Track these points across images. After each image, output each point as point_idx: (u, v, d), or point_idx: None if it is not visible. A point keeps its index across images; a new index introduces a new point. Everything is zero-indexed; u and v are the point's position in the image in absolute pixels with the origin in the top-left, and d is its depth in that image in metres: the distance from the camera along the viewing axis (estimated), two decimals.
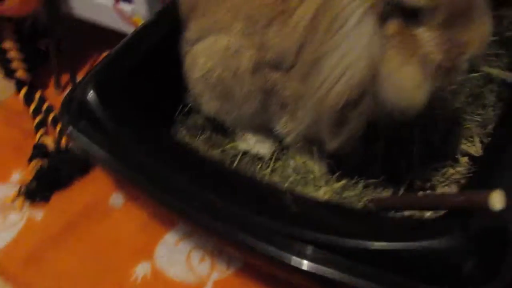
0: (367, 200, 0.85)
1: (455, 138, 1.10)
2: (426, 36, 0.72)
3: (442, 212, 0.67)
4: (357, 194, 0.87)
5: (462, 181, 1.02)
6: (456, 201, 0.61)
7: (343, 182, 0.91)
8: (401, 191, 0.98)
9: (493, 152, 1.01)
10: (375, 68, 0.74)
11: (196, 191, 0.83)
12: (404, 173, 1.03)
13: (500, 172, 0.78)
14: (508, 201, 0.56)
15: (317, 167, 1.00)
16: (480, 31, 0.72)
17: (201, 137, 1.21)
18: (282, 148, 1.11)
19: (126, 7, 1.29)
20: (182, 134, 1.20)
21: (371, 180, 0.94)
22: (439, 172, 1.05)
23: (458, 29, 0.71)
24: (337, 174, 0.94)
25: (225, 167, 1.03)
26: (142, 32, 1.11)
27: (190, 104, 1.20)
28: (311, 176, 0.95)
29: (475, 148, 1.07)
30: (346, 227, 0.67)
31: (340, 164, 0.99)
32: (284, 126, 1.00)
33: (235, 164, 1.13)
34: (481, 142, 1.08)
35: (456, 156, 1.07)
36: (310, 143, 1.01)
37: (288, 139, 1.03)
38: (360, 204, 0.85)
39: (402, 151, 1.07)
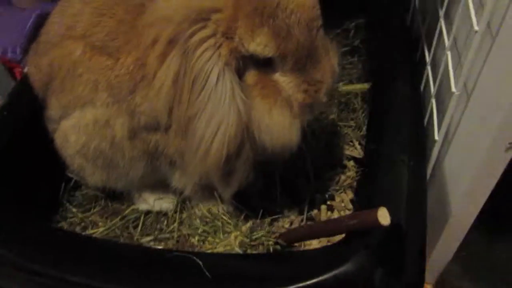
0: (275, 238, 0.87)
1: (339, 145, 1.19)
2: (284, 81, 0.78)
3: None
4: (265, 234, 0.89)
5: (354, 185, 1.11)
6: (351, 224, 0.65)
7: (250, 223, 0.93)
8: (305, 211, 1.03)
9: (370, 153, 1.14)
10: (247, 118, 0.77)
11: None
12: (303, 191, 1.08)
13: (379, 174, 0.85)
14: (393, 214, 0.62)
15: (221, 211, 1.00)
16: (329, 67, 0.79)
17: (95, 209, 1.13)
18: (184, 199, 1.09)
19: None
20: (73, 212, 1.11)
21: (276, 216, 0.96)
22: (333, 181, 1.13)
23: (310, 70, 0.77)
24: (243, 215, 0.95)
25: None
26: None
27: (74, 179, 1.12)
28: (218, 223, 0.95)
29: (357, 151, 1.17)
30: (261, 276, 0.68)
31: (242, 201, 1.00)
32: (178, 181, 0.98)
33: (139, 228, 1.08)
34: (360, 144, 1.18)
35: (343, 162, 1.16)
36: (209, 188, 1.01)
37: (187, 192, 1.01)
38: (270, 243, 0.87)
39: (295, 171, 1.13)
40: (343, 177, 1.14)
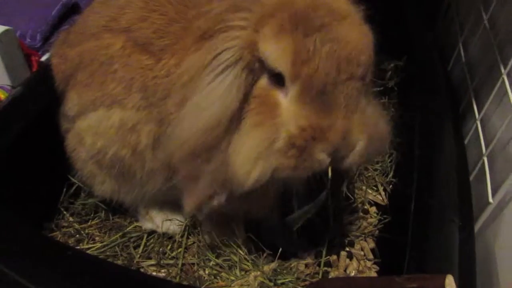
0: (304, 286, 0.78)
1: (362, 189, 1.12)
2: (286, 107, 0.66)
3: None
4: (294, 279, 0.80)
5: (376, 233, 1.05)
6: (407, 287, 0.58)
7: (273, 264, 0.84)
8: (323, 255, 0.95)
9: (395, 202, 1.08)
10: (228, 122, 0.66)
11: None
12: (322, 233, 1.01)
13: (430, 234, 0.77)
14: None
15: (239, 243, 0.91)
16: (343, 125, 0.64)
17: (93, 221, 1.03)
18: (194, 223, 1.00)
19: None
20: (69, 221, 1.01)
21: (302, 261, 0.88)
22: (354, 226, 1.06)
23: (318, 112, 0.64)
24: (265, 254, 0.86)
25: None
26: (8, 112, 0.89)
27: (76, 185, 1.02)
28: (235, 257, 0.86)
29: (381, 198, 1.11)
30: None
31: (260, 237, 0.92)
32: None
33: (140, 249, 0.98)
34: (384, 190, 1.13)
35: (365, 207, 1.10)
36: (225, 217, 0.92)
37: (200, 216, 0.92)
38: None
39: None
40: (364, 223, 1.07)
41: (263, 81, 0.68)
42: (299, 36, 0.63)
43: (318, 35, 0.63)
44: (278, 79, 0.66)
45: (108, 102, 0.80)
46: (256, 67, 0.67)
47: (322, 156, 0.66)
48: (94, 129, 0.83)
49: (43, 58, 1.10)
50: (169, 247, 0.99)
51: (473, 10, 1.12)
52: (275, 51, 0.64)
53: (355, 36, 0.65)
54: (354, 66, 0.64)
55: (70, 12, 1.22)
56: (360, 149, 0.67)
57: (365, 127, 0.68)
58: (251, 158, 0.66)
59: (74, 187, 1.03)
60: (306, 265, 0.97)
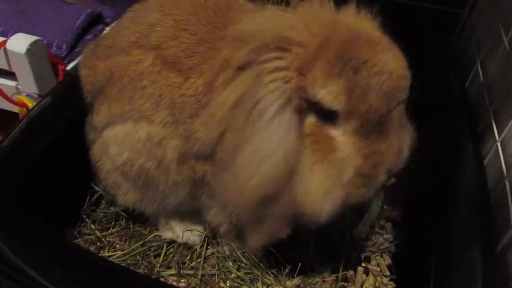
0: None
1: (378, 204, 1.14)
2: (343, 141, 0.69)
3: None
4: None
5: (392, 250, 1.06)
6: None
7: (297, 279, 0.85)
8: (340, 270, 0.96)
9: (412, 218, 1.09)
10: (293, 165, 0.69)
11: None
12: (338, 248, 1.02)
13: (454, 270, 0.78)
14: None
15: (260, 256, 0.92)
16: (397, 144, 0.71)
17: (114, 229, 1.05)
18: (214, 234, 1.02)
19: (7, 83, 1.06)
20: (91, 228, 1.02)
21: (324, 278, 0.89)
22: (370, 242, 1.07)
23: (375, 139, 0.69)
24: (287, 268, 0.87)
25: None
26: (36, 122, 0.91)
27: (98, 193, 1.03)
28: (257, 271, 0.87)
29: (396, 213, 1.12)
30: None
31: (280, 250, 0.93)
32: (214, 216, 0.91)
33: (160, 258, 0.99)
34: (401, 206, 1.14)
35: (381, 223, 1.11)
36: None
37: (221, 229, 0.94)
38: None
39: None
40: (381, 239, 1.08)
41: (312, 119, 0.71)
42: (349, 75, 0.66)
43: (366, 70, 0.66)
44: (329, 115, 0.69)
45: (137, 116, 0.82)
46: (304, 107, 0.70)
47: (384, 177, 0.71)
48: (120, 140, 0.84)
49: (69, 67, 1.11)
50: (188, 257, 1.00)
51: (491, 30, 1.13)
52: (328, 94, 0.66)
53: (395, 63, 0.68)
54: (400, 92, 0.69)
55: (94, 21, 1.24)
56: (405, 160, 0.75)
57: (408, 139, 0.75)
58: (321, 194, 0.69)
59: (96, 196, 1.05)
60: (324, 280, 0.99)
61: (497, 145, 0.91)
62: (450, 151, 0.96)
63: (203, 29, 0.80)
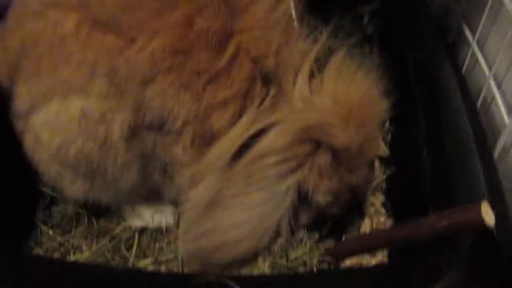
0: (323, 254, 0.71)
1: None
2: None
3: None
4: (307, 251, 0.72)
5: (384, 186, 0.98)
6: (440, 227, 0.50)
7: (280, 240, 0.75)
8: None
9: (395, 150, 1.01)
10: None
11: None
12: None
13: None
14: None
15: None
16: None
17: (77, 229, 0.93)
18: None
19: None
20: (49, 235, 0.90)
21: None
22: None
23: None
24: None
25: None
26: None
27: (49, 195, 0.91)
28: None
29: (381, 149, 1.04)
30: None
31: None
32: (173, 193, 0.82)
33: (133, 250, 0.88)
34: (384, 141, 1.05)
35: None
36: None
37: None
38: (314, 262, 0.70)
39: None
40: None
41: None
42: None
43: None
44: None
45: (63, 90, 0.70)
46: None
47: None
48: (49, 124, 0.72)
49: None
50: (165, 241, 0.90)
51: None
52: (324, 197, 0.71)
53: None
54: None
55: None
56: None
57: None
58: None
59: (48, 198, 0.93)
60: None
61: (473, 48, 0.83)
62: (425, 66, 0.87)
63: None
